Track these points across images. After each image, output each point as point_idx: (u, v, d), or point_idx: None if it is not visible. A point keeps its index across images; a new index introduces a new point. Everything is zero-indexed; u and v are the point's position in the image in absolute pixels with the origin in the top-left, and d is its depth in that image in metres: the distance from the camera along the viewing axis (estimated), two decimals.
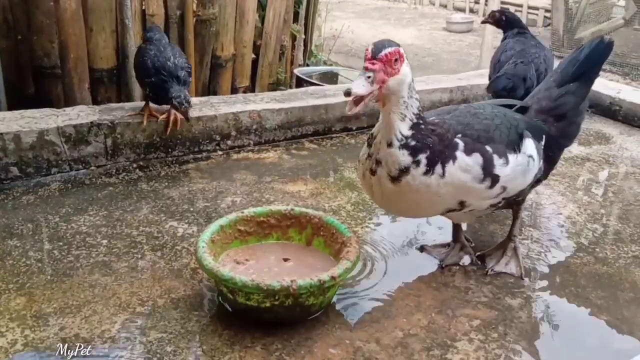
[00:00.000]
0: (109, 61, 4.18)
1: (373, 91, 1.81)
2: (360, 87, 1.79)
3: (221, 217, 2.23)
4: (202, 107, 3.32)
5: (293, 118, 3.51)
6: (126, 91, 4.21)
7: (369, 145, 1.99)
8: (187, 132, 3.21)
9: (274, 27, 5.20)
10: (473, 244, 2.45)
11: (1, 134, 2.76)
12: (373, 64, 1.80)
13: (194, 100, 3.35)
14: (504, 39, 3.54)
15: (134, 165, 3.07)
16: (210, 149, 3.30)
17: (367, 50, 1.84)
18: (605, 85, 4.45)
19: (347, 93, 1.77)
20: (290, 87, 5.35)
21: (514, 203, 2.27)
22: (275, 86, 5.31)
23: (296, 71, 5.56)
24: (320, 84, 5.20)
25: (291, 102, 3.55)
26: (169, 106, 3.11)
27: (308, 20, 5.80)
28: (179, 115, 3.10)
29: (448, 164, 1.94)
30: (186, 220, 2.56)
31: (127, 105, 3.32)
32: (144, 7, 4.24)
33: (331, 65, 7.27)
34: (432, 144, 1.93)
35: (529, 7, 13.65)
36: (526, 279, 2.27)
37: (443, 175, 1.94)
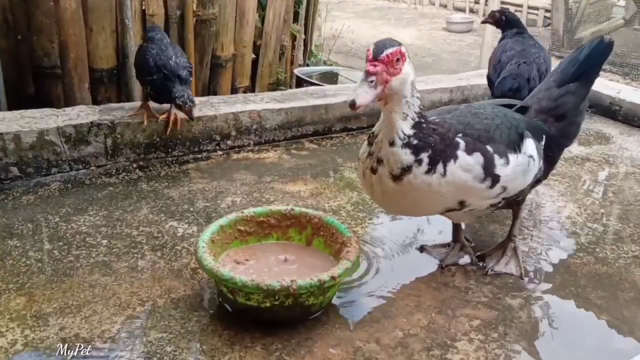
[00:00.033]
0: (109, 61, 4.18)
1: (377, 94, 1.80)
2: (364, 95, 1.77)
3: (221, 217, 2.23)
4: (202, 107, 3.32)
5: (293, 118, 3.51)
6: (126, 91, 4.21)
7: (370, 144, 1.98)
8: (187, 132, 3.21)
9: (274, 27, 5.20)
10: (473, 244, 2.45)
11: (1, 134, 2.76)
12: (375, 66, 1.79)
13: None
14: (502, 38, 3.54)
15: (134, 165, 3.07)
16: (210, 149, 3.30)
17: (368, 51, 1.83)
18: (605, 85, 4.45)
19: (352, 105, 1.76)
20: (290, 87, 5.35)
21: (514, 203, 2.27)
22: (275, 86, 5.31)
23: (296, 71, 5.56)
24: (320, 84, 5.20)
25: (291, 102, 3.56)
26: (168, 106, 3.12)
27: (308, 20, 5.80)
28: (179, 115, 3.11)
29: (449, 163, 1.94)
30: (186, 220, 2.56)
31: (127, 105, 3.32)
32: (144, 7, 4.24)
33: (331, 65, 7.28)
34: (434, 143, 1.92)
35: (529, 7, 13.66)
36: (526, 279, 2.27)
37: (444, 174, 1.93)
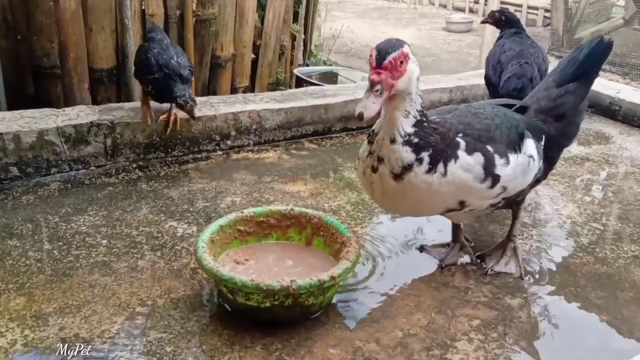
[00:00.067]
0: (108, 61, 4.18)
1: (384, 101, 1.79)
2: (372, 105, 1.75)
3: (221, 217, 2.23)
4: (201, 107, 3.32)
5: (293, 118, 3.51)
6: (126, 91, 4.21)
7: (370, 143, 1.97)
8: (187, 132, 3.21)
9: (274, 27, 5.20)
10: (472, 244, 2.45)
11: (1, 134, 2.76)
12: (379, 73, 1.77)
13: None
14: (500, 38, 3.53)
15: (134, 165, 3.07)
16: (210, 149, 3.30)
17: (370, 57, 1.80)
18: (605, 85, 4.45)
19: (360, 117, 1.75)
20: (290, 87, 5.35)
21: (514, 203, 2.27)
22: (274, 86, 5.31)
23: (296, 71, 5.56)
24: (320, 84, 5.20)
25: (291, 102, 3.56)
26: (168, 106, 3.12)
27: (308, 20, 5.80)
28: (179, 115, 3.11)
29: (450, 163, 1.94)
30: (186, 220, 2.56)
31: (126, 105, 3.32)
32: (143, 7, 4.25)
33: (331, 65, 7.27)
34: (435, 143, 1.92)
35: (529, 7, 13.66)
36: (526, 279, 2.28)
37: (445, 174, 1.93)
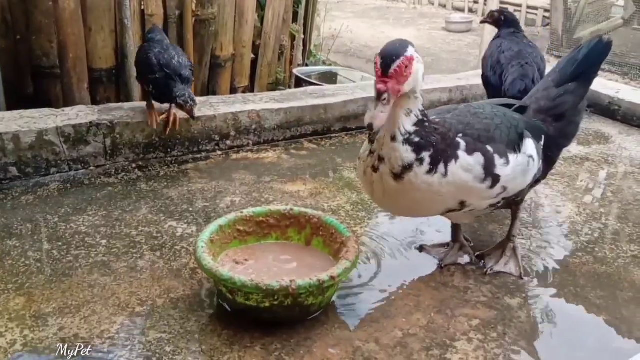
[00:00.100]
0: (108, 61, 4.18)
1: (391, 106, 1.79)
2: (380, 114, 1.75)
3: (220, 217, 2.23)
4: (201, 107, 3.32)
5: (292, 118, 3.51)
6: (125, 91, 4.21)
7: (371, 142, 1.97)
8: (186, 132, 3.21)
9: (273, 27, 5.20)
10: (472, 244, 2.45)
11: (0, 134, 2.76)
12: (385, 82, 1.76)
13: None
14: (497, 37, 3.52)
15: (133, 165, 3.07)
16: (210, 149, 3.30)
17: (376, 65, 1.79)
18: (604, 84, 4.45)
19: (370, 127, 1.75)
20: (290, 87, 5.35)
21: (513, 203, 2.27)
22: (274, 86, 5.31)
23: (295, 71, 5.57)
24: (320, 83, 5.20)
25: (290, 102, 3.56)
26: (168, 106, 3.12)
27: (307, 20, 5.80)
28: (179, 115, 3.11)
29: (450, 164, 1.94)
30: (185, 220, 2.56)
31: (126, 105, 3.32)
32: (143, 7, 4.24)
33: (330, 65, 7.28)
34: (436, 143, 1.91)
35: (528, 7, 13.66)
36: (525, 279, 2.28)
37: (445, 174, 1.93)
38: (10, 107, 3.51)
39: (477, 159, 1.98)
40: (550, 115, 2.33)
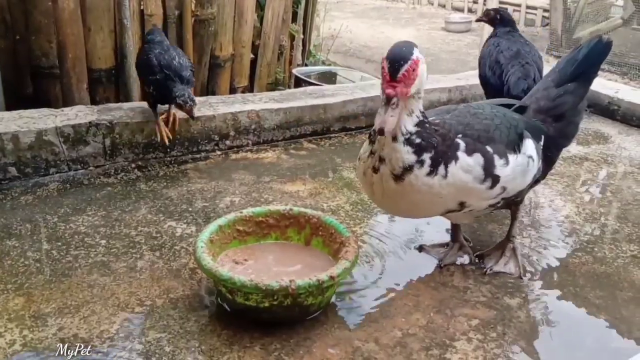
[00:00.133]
0: (107, 61, 4.18)
1: (401, 110, 1.80)
2: (391, 119, 1.76)
3: (220, 217, 2.23)
4: (200, 107, 3.32)
5: (292, 118, 3.51)
6: (125, 91, 4.21)
7: (372, 142, 1.96)
8: (186, 132, 3.21)
9: (273, 27, 5.20)
10: (472, 244, 2.45)
11: None
12: (394, 87, 1.77)
13: None
14: (493, 36, 3.51)
15: (133, 166, 3.07)
16: (209, 149, 3.30)
17: (383, 69, 1.79)
18: (604, 84, 4.45)
19: (381, 132, 1.76)
20: (289, 87, 5.35)
21: (513, 203, 2.27)
22: (273, 86, 5.31)
23: (295, 71, 5.57)
24: (319, 83, 5.20)
25: (290, 102, 3.56)
26: (167, 107, 3.11)
27: (306, 20, 5.80)
28: (178, 115, 3.10)
29: (450, 165, 1.93)
30: (185, 220, 2.56)
31: (125, 105, 3.31)
32: (142, 7, 4.24)
33: (330, 65, 7.27)
34: (437, 144, 1.91)
35: (527, 7, 13.65)
36: (525, 279, 2.28)
37: (445, 176, 1.93)
38: (9, 107, 3.51)
39: (477, 159, 1.98)
40: (549, 115, 2.33)
